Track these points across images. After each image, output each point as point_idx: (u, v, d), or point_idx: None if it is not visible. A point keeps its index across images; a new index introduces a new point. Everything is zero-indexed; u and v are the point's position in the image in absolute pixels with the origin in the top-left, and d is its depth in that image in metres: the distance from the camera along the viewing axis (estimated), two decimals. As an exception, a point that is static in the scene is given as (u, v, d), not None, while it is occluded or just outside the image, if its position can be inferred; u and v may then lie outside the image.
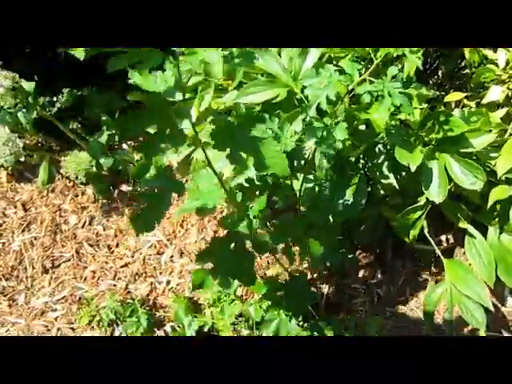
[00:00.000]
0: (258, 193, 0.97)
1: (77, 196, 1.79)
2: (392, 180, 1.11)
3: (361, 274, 1.48)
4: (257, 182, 0.95)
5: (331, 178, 0.96)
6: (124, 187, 1.77)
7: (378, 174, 1.12)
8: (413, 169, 0.98)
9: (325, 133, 0.88)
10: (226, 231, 0.91)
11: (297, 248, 1.14)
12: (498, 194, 1.03)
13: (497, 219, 1.18)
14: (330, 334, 1.29)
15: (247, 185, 0.95)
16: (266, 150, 0.79)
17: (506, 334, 1.36)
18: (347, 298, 1.44)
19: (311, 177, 1.01)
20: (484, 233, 1.23)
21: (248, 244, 0.89)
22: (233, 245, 0.87)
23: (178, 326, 1.38)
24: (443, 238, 1.49)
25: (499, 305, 1.41)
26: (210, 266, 1.05)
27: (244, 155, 0.84)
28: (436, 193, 1.03)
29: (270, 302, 1.16)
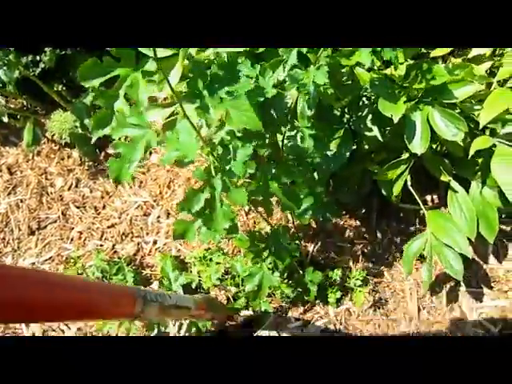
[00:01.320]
0: (240, 145, 0.96)
1: (63, 159, 1.77)
2: (376, 132, 1.10)
3: (346, 233, 1.50)
4: (238, 134, 0.94)
5: (314, 126, 0.95)
6: (110, 150, 1.76)
7: (362, 127, 1.12)
8: (396, 120, 0.98)
9: (306, 78, 0.88)
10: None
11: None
12: (479, 143, 1.04)
13: (479, 173, 1.19)
14: (314, 289, 1.31)
15: (228, 137, 0.94)
16: (237, 104, 0.78)
17: (486, 291, 1.39)
18: (332, 256, 1.46)
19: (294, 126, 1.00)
20: (467, 189, 1.24)
21: (224, 195, 0.89)
22: (208, 195, 0.87)
23: (164, 282, 1.39)
24: (428, 198, 1.50)
25: (481, 262, 1.44)
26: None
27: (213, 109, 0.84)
28: (418, 145, 1.03)
29: (252, 255, 1.17)
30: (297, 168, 0.99)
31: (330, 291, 1.35)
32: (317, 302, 1.39)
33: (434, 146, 1.26)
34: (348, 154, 1.11)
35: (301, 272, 1.33)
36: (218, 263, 1.41)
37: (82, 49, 1.72)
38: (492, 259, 1.44)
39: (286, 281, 1.34)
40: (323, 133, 1.02)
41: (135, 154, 0.83)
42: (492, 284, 1.40)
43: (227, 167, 0.86)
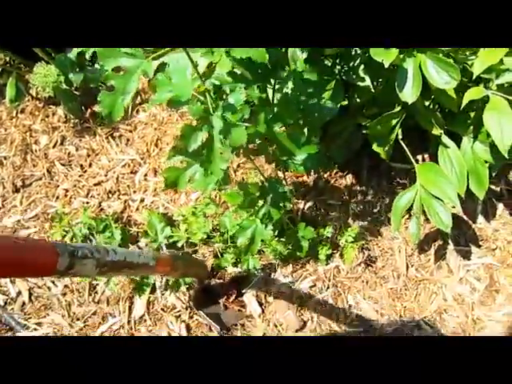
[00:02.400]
0: (235, 87, 0.93)
1: (47, 116, 1.72)
2: (368, 82, 1.08)
3: (337, 191, 1.48)
4: (238, 71, 0.91)
5: (306, 71, 0.92)
6: (96, 107, 1.71)
7: (354, 77, 1.09)
8: (386, 65, 0.95)
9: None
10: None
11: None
12: (472, 94, 1.01)
13: (471, 128, 1.17)
14: (306, 244, 1.30)
15: (229, 78, 0.91)
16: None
17: (474, 249, 1.39)
18: (323, 214, 1.44)
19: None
20: (458, 145, 1.22)
21: (220, 137, 0.86)
22: (205, 134, 0.83)
23: (150, 233, 1.37)
24: (419, 157, 1.49)
25: (470, 222, 1.44)
26: (183, 164, 1.03)
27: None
28: (409, 93, 1.01)
29: (244, 209, 1.15)
30: (288, 114, 0.96)
31: (320, 248, 1.34)
32: (307, 258, 1.39)
33: (427, 103, 1.24)
34: (339, 104, 1.08)
35: (292, 228, 1.32)
36: (206, 217, 1.39)
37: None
38: (481, 218, 1.44)
39: (276, 238, 1.33)
40: (314, 80, 0.99)
41: (130, 85, 0.78)
42: (480, 242, 1.40)
43: (225, 103, 0.83)
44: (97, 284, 1.41)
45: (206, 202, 1.40)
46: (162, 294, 1.36)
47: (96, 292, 1.40)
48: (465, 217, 1.44)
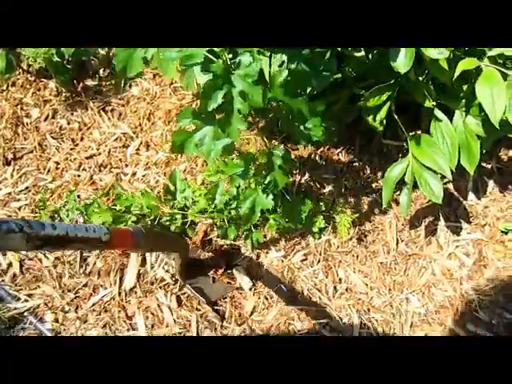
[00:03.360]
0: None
1: (39, 90, 1.71)
2: (362, 53, 1.07)
3: (331, 166, 1.48)
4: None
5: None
6: (89, 81, 1.70)
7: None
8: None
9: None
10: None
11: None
12: (465, 64, 1.01)
13: (463, 102, 1.17)
14: (304, 216, 1.30)
15: None
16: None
17: (464, 225, 1.40)
18: (317, 187, 1.45)
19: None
20: (450, 119, 1.22)
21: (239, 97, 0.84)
22: (223, 92, 0.82)
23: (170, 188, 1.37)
24: (412, 134, 1.49)
25: (461, 199, 1.45)
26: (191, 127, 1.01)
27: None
28: (402, 63, 1.00)
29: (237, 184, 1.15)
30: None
31: (314, 221, 1.35)
32: (299, 232, 1.39)
33: (421, 78, 1.24)
34: (334, 68, 1.07)
35: (288, 200, 1.31)
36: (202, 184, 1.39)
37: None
38: (472, 195, 1.45)
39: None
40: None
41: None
42: (470, 219, 1.41)
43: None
44: (88, 256, 1.41)
45: (208, 169, 1.38)
46: (152, 268, 1.37)
47: (87, 264, 1.40)
48: (456, 194, 1.45)
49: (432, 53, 0.99)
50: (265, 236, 1.40)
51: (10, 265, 1.43)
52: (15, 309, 1.35)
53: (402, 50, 1.01)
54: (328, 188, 1.45)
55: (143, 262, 1.37)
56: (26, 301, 1.37)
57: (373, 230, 1.42)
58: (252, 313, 1.31)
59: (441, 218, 1.41)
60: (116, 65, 0.80)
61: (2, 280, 1.41)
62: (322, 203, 1.36)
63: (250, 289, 1.34)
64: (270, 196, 1.14)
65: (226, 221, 1.33)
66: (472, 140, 1.20)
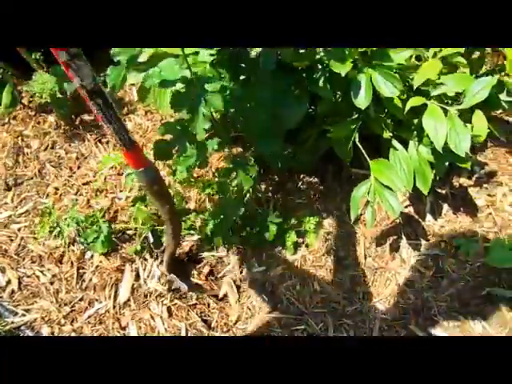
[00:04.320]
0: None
1: (39, 123, 1.86)
2: (329, 93, 1.28)
3: (304, 192, 1.67)
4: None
5: (274, 79, 1.11)
6: (86, 116, 1.87)
7: (318, 87, 1.29)
8: (343, 74, 1.16)
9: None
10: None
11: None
12: (414, 101, 1.23)
13: (415, 133, 1.39)
14: (273, 228, 1.47)
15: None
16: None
17: (423, 242, 1.59)
18: (290, 209, 1.62)
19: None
20: (406, 148, 1.43)
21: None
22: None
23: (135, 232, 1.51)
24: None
25: (420, 220, 1.64)
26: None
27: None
28: (362, 100, 1.21)
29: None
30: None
31: (287, 236, 1.51)
32: (277, 249, 1.55)
33: (381, 115, 1.45)
34: (304, 109, 1.28)
35: (261, 214, 1.49)
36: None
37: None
38: (429, 217, 1.64)
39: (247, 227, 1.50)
40: (283, 87, 1.18)
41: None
42: (428, 237, 1.60)
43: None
44: (84, 273, 1.52)
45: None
46: (145, 282, 1.49)
47: (83, 280, 1.51)
48: (415, 215, 1.65)
49: (385, 91, 1.21)
50: (247, 250, 1.55)
51: (8, 282, 1.52)
52: (12, 323, 1.44)
53: (362, 90, 1.23)
54: (301, 211, 1.62)
55: (137, 277, 1.49)
56: (24, 315, 1.46)
57: (343, 247, 1.59)
58: (236, 321, 1.44)
59: (403, 236, 1.60)
60: (108, 82, 0.97)
61: (1, 296, 1.50)
62: (293, 219, 1.53)
63: (236, 300, 1.47)
64: (241, 207, 1.30)
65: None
66: (425, 166, 1.41)
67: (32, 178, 1.71)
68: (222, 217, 1.28)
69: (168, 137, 1.16)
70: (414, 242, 1.60)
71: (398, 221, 1.63)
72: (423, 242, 1.60)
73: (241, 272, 1.53)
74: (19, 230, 1.61)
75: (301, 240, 1.57)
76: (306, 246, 1.57)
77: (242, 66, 1.11)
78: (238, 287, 1.51)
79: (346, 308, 1.46)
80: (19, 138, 1.82)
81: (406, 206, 1.66)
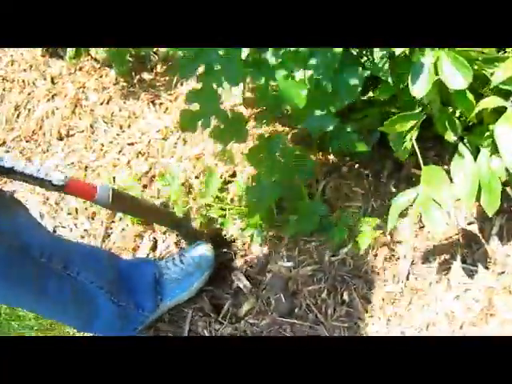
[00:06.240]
0: None
1: (101, 76, 1.87)
2: (389, 78, 1.10)
3: (360, 180, 1.47)
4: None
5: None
6: (145, 75, 1.84)
7: (375, 65, 1.11)
8: (397, 53, 0.97)
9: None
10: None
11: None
12: (487, 102, 0.99)
13: (489, 141, 1.14)
14: (315, 220, 1.35)
15: None
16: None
17: (480, 269, 1.35)
18: (343, 201, 1.45)
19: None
20: (475, 156, 1.19)
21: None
22: None
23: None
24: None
25: (483, 241, 1.39)
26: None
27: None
28: (419, 88, 1.01)
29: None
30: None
31: (336, 230, 1.37)
32: (315, 244, 1.41)
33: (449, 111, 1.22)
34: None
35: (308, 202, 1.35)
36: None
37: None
38: (494, 241, 1.38)
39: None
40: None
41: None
42: (487, 264, 1.35)
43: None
44: (111, 233, 1.52)
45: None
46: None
47: (109, 240, 1.51)
48: (479, 236, 1.40)
49: (451, 82, 0.99)
50: (279, 239, 1.42)
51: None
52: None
53: (423, 76, 1.02)
54: (354, 204, 1.44)
55: (154, 248, 1.46)
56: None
57: (389, 258, 1.40)
58: (246, 314, 1.35)
59: (457, 257, 1.37)
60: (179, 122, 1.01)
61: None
62: (346, 214, 1.37)
63: (251, 291, 1.38)
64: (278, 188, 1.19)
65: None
66: (495, 183, 1.16)
67: (83, 131, 1.74)
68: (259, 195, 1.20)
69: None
70: (469, 267, 1.35)
71: (455, 237, 1.39)
72: (480, 269, 1.35)
73: (266, 262, 1.42)
74: (62, 179, 1.65)
75: (348, 240, 1.40)
76: (350, 248, 1.40)
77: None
78: (259, 278, 1.41)
79: (369, 328, 1.29)
80: (80, 90, 1.85)
81: (470, 223, 1.40)
